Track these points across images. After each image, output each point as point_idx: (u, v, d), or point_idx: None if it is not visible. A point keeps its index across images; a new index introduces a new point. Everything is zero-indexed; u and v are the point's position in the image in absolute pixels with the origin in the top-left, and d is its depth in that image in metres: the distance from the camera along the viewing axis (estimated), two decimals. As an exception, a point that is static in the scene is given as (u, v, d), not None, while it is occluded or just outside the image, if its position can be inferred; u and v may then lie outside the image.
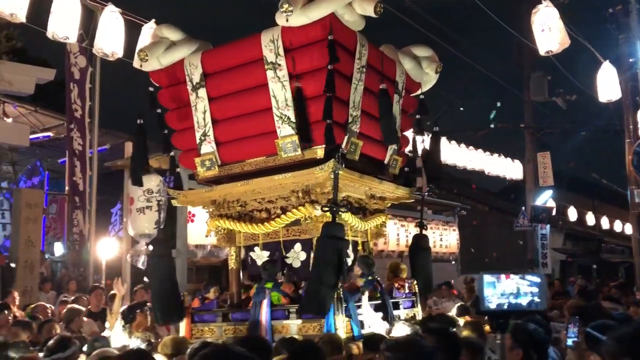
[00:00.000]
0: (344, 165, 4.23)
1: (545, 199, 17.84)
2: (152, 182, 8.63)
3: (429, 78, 5.31)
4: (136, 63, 5.28)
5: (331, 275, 4.02)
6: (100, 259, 9.56)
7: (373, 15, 4.23)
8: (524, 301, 2.66)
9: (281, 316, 4.38)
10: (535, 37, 7.75)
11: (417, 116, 5.35)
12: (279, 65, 4.30)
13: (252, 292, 4.67)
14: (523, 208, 17.37)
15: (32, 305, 6.69)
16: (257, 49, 4.39)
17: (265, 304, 4.36)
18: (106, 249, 9.42)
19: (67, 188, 11.00)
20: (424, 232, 5.58)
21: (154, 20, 7.41)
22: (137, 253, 8.63)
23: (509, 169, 16.16)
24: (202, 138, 4.78)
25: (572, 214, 22.98)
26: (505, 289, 2.67)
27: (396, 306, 5.00)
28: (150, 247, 5.28)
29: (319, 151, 4.32)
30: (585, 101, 14.55)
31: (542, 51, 7.70)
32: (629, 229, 15.63)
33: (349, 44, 4.43)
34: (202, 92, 4.69)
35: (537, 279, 2.67)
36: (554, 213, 17.75)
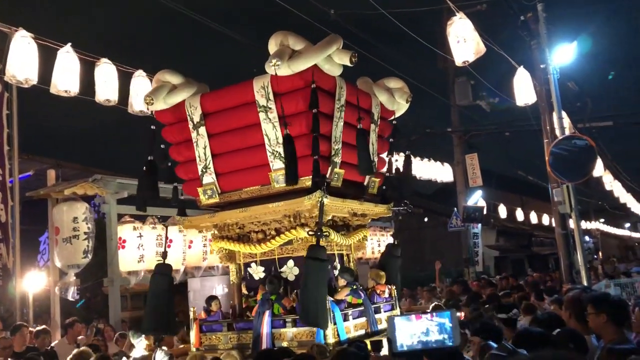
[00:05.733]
0: (328, 194, 4.84)
1: (476, 198, 18.44)
2: (77, 209, 8.32)
3: (401, 107, 6.07)
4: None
5: (317, 292, 4.55)
6: (27, 293, 9.11)
7: (349, 64, 4.93)
8: (434, 338, 2.74)
9: (279, 325, 5.00)
10: (451, 48, 8.04)
11: (391, 140, 6.13)
12: (270, 108, 4.96)
13: (258, 296, 5.30)
14: (455, 209, 17.91)
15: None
16: (250, 93, 5.04)
17: (267, 314, 4.98)
18: (33, 282, 8.99)
19: (-13, 220, 10.43)
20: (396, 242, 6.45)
21: (69, 44, 7.18)
22: (66, 285, 8.28)
23: (440, 172, 16.65)
24: (204, 170, 5.44)
25: (503, 211, 23.83)
26: (416, 330, 2.76)
27: (378, 310, 5.61)
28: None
29: (307, 182, 4.93)
30: (507, 103, 15.17)
31: (458, 61, 7.98)
32: (555, 222, 16.41)
33: (329, 88, 5.10)
34: (202, 130, 5.33)
35: (445, 318, 2.77)
36: (485, 212, 18.36)
